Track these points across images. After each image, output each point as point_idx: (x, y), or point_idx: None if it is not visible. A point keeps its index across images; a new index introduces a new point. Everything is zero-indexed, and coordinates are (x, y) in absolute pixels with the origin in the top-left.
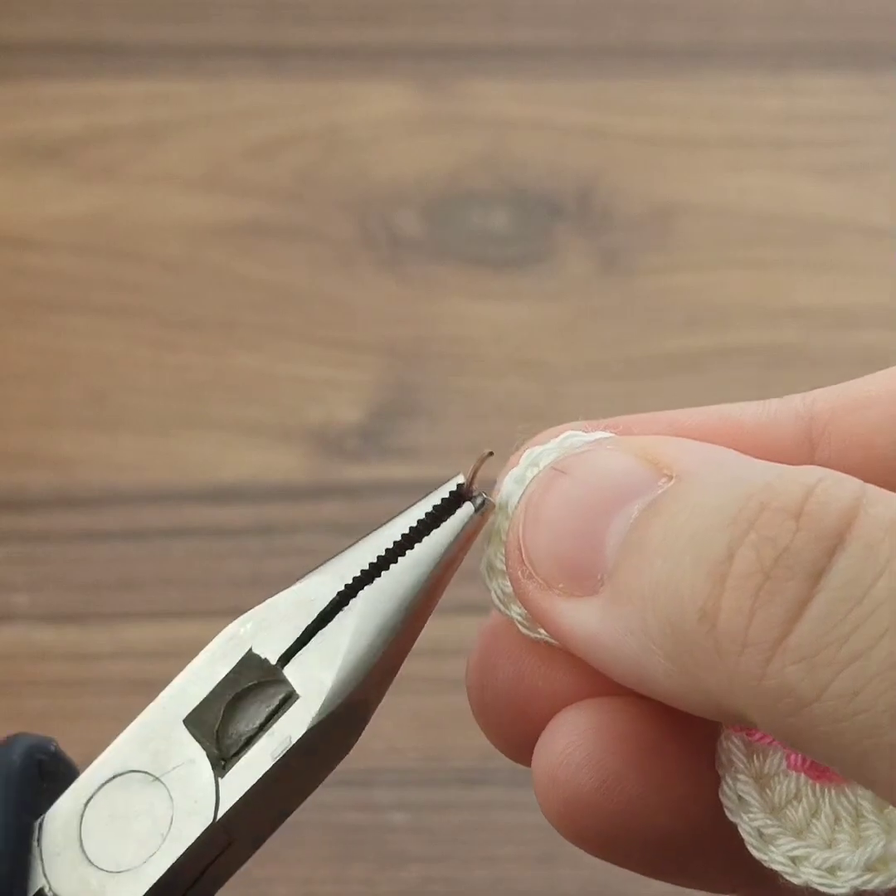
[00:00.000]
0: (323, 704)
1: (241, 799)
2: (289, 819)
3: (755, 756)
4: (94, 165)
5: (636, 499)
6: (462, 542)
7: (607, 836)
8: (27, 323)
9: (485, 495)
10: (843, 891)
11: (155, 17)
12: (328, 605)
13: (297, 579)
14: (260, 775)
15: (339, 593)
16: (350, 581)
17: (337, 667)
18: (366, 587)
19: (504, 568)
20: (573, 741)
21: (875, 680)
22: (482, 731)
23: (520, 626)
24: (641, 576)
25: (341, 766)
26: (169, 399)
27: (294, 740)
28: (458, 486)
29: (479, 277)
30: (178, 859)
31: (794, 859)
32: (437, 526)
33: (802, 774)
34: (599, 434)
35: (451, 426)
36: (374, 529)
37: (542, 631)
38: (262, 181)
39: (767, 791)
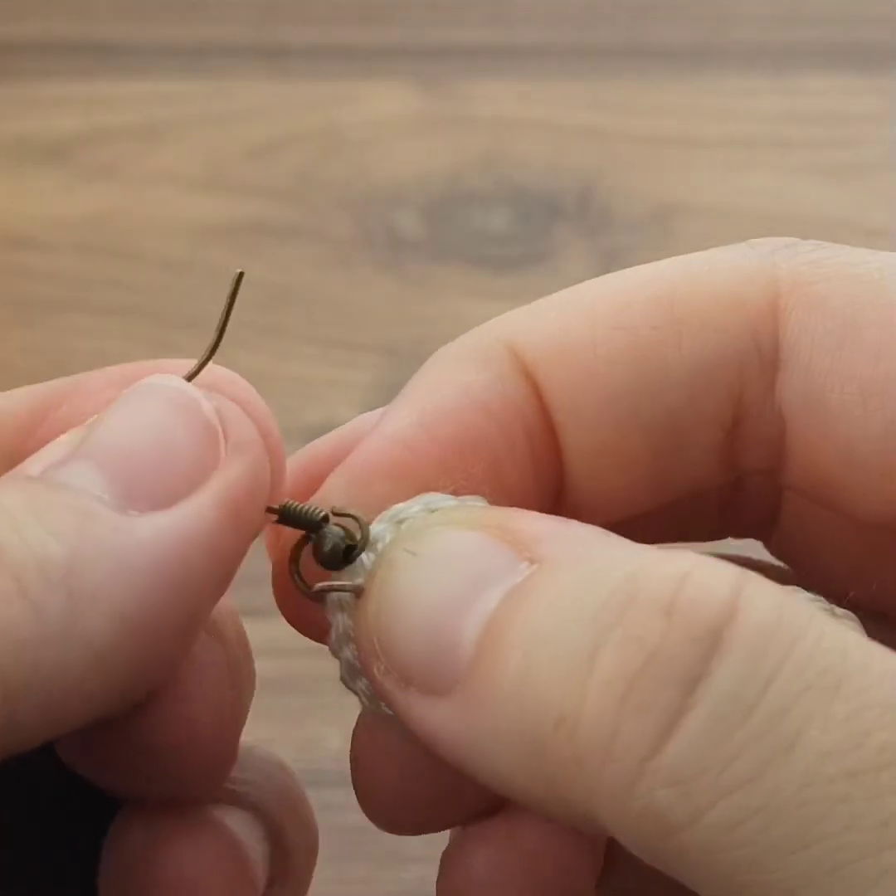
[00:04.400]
0: None
1: None
2: None
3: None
4: (94, 165)
5: (494, 587)
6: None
7: None
8: (27, 323)
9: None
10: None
11: (155, 17)
12: None
13: None
14: None
15: None
16: None
17: None
18: None
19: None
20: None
21: (757, 816)
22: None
23: (362, 703)
24: (495, 677)
25: (341, 766)
26: None
27: None
28: None
29: (479, 277)
30: None
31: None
32: None
33: None
34: (469, 498)
35: None
36: None
37: (387, 707)
38: (262, 181)
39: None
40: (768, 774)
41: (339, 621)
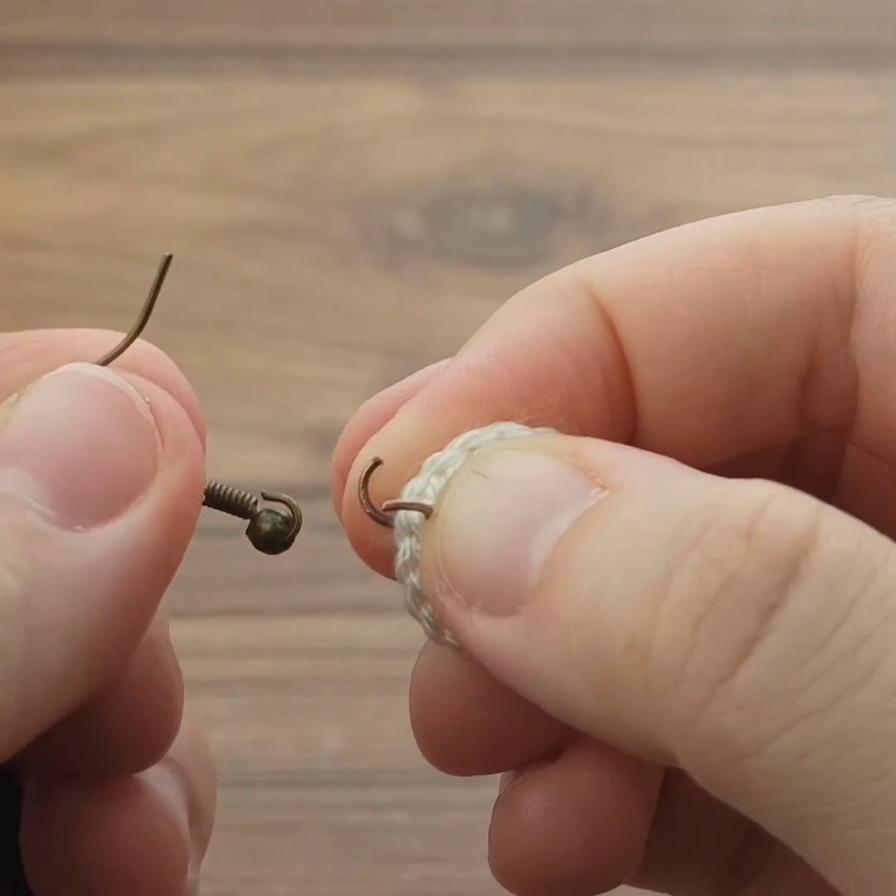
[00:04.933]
0: None
1: None
2: (289, 819)
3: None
4: (94, 165)
5: (565, 511)
6: None
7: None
8: (27, 323)
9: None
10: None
11: (155, 17)
12: None
13: None
14: None
15: None
16: None
17: None
18: None
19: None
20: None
21: (827, 745)
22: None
23: (425, 630)
24: (567, 597)
25: (341, 766)
26: None
27: None
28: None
29: (479, 277)
30: None
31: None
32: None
33: None
34: (542, 430)
35: None
36: None
37: (450, 636)
38: (262, 181)
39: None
40: (841, 704)
41: (407, 546)
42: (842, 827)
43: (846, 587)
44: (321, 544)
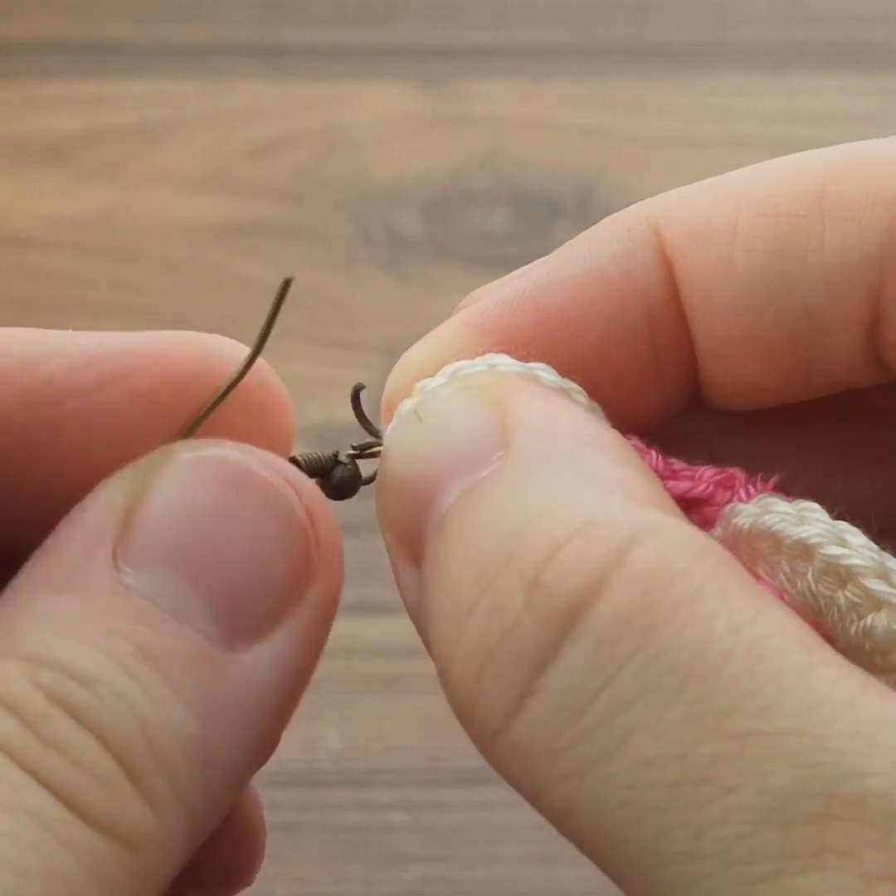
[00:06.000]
0: None
1: None
2: (289, 819)
3: None
4: (94, 165)
5: (464, 475)
6: None
7: None
8: (27, 323)
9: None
10: None
11: (155, 17)
12: None
13: None
14: None
15: None
16: None
17: None
18: None
19: None
20: None
21: (584, 807)
22: None
23: None
24: (428, 582)
25: (341, 766)
26: None
27: None
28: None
29: (479, 277)
30: None
31: None
32: None
33: None
34: (534, 364)
35: None
36: None
37: None
38: (262, 181)
39: None
40: (595, 771)
41: None
42: (613, 878)
43: (616, 649)
44: None
